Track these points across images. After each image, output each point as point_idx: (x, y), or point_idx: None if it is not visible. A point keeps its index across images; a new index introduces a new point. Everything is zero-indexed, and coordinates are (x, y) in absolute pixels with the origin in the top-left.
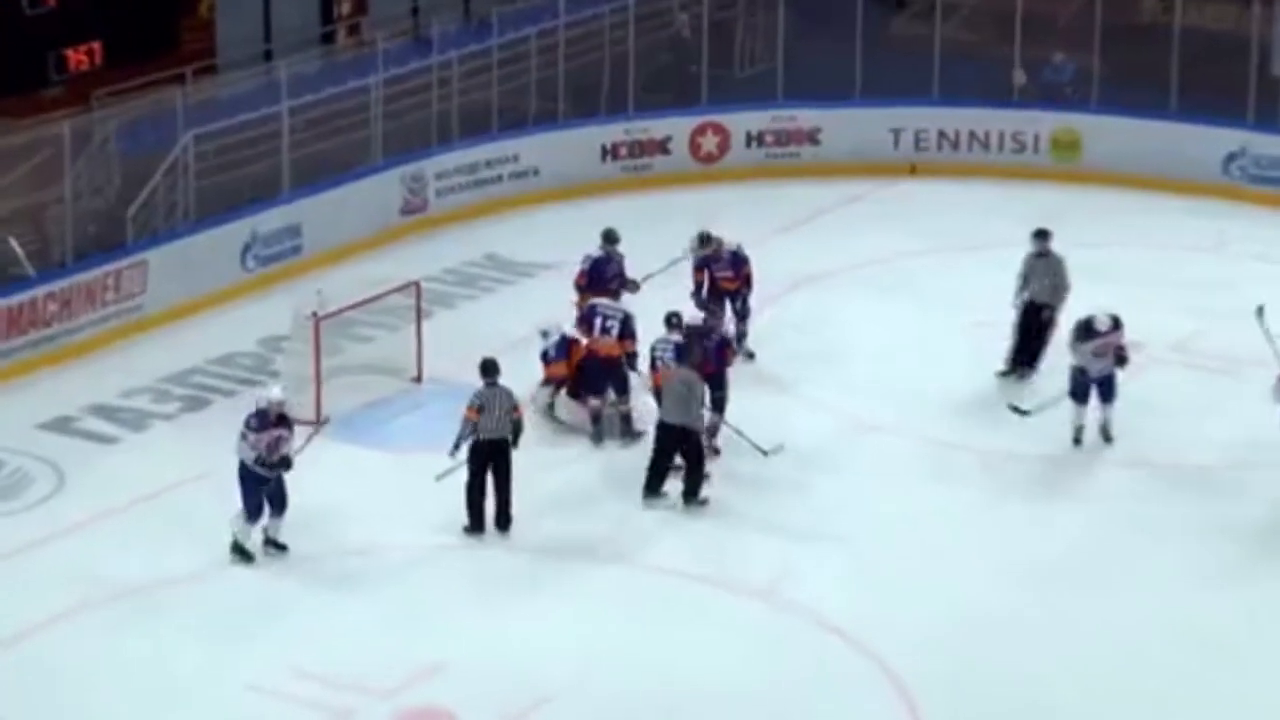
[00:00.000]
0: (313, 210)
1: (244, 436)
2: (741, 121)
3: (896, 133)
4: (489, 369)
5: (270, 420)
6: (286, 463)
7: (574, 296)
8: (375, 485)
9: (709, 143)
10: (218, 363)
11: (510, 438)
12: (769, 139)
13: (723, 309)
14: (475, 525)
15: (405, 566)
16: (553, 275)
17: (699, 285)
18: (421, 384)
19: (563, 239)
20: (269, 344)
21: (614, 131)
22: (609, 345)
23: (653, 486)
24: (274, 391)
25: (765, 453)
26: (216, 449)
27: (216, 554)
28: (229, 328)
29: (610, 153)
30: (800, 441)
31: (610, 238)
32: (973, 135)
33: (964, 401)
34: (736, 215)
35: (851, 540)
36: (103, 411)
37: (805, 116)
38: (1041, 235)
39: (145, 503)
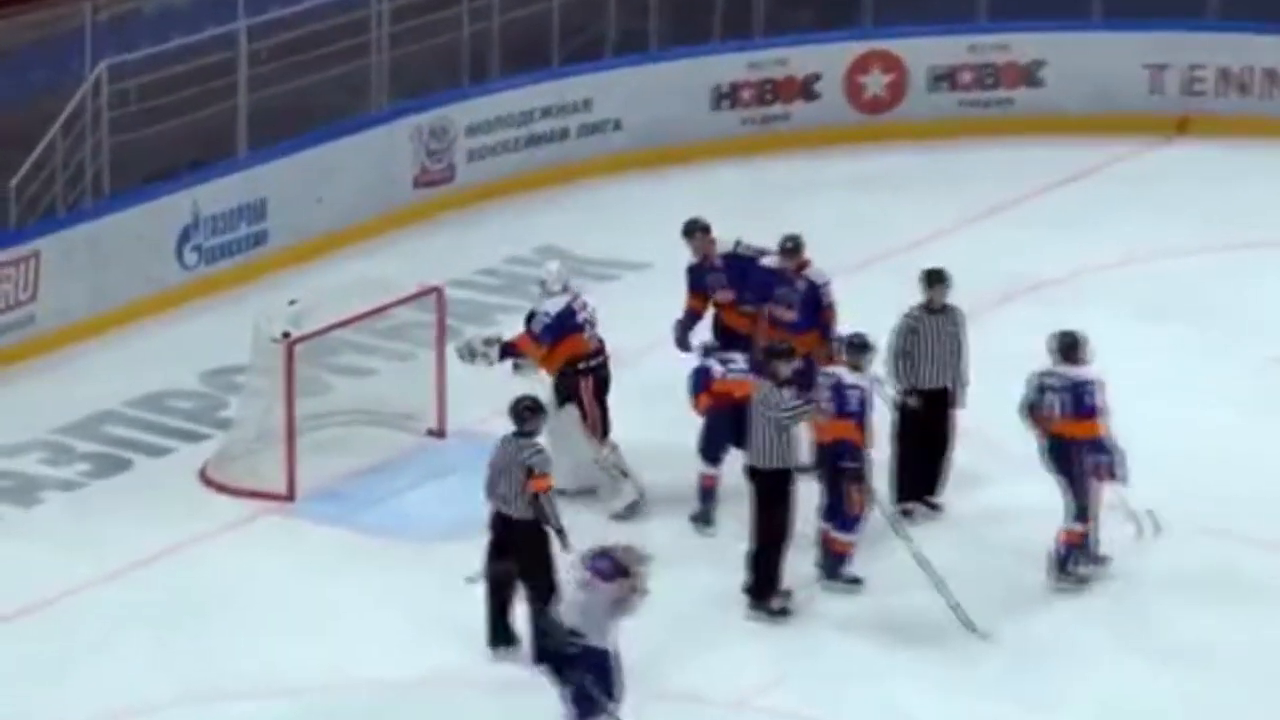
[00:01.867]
0: (284, 180)
1: (599, 588)
2: (924, 51)
3: (1157, 70)
4: (523, 413)
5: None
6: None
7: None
8: (373, 590)
9: (875, 83)
10: (142, 405)
11: (531, 519)
12: (965, 78)
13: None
14: (495, 636)
15: (419, 709)
16: (643, 279)
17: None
18: (445, 439)
19: (657, 224)
20: (217, 379)
21: (733, 65)
22: (742, 382)
23: (758, 589)
24: (625, 550)
25: (976, 631)
26: (137, 533)
27: (139, 691)
28: (159, 353)
29: (727, 97)
30: (1016, 537)
31: (694, 228)
32: (1272, 76)
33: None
34: (914, 191)
35: (1087, 689)
36: None
37: (1020, 45)
38: (937, 278)
39: (31, 615)
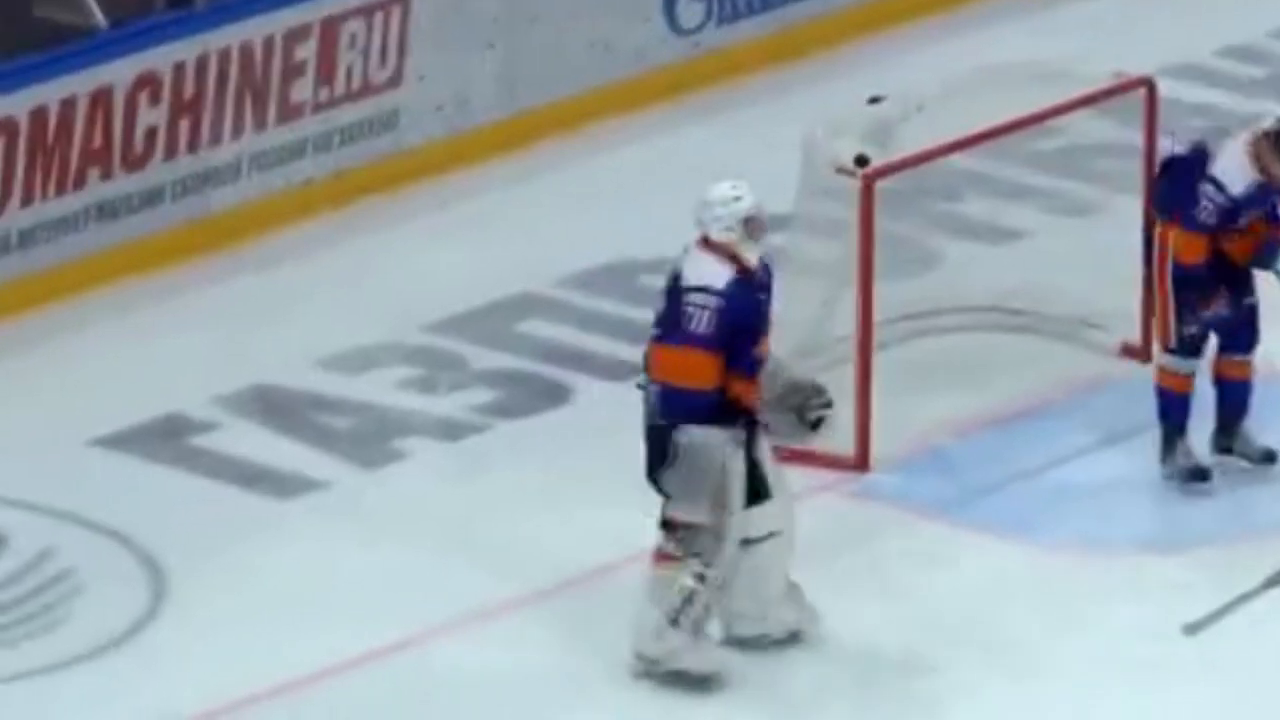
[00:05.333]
0: None
1: None
2: None
3: None
4: None
5: None
6: None
7: None
8: (1023, 645)
9: None
10: (591, 286)
11: None
12: None
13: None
14: None
15: None
16: None
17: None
18: (1150, 363)
19: None
20: None
21: None
22: None
23: None
24: None
25: None
26: (578, 516)
27: None
28: (624, 192)
29: None
30: None
31: None
32: None
33: None
34: None
35: None
36: (236, 419)
37: None
38: None
39: (332, 680)
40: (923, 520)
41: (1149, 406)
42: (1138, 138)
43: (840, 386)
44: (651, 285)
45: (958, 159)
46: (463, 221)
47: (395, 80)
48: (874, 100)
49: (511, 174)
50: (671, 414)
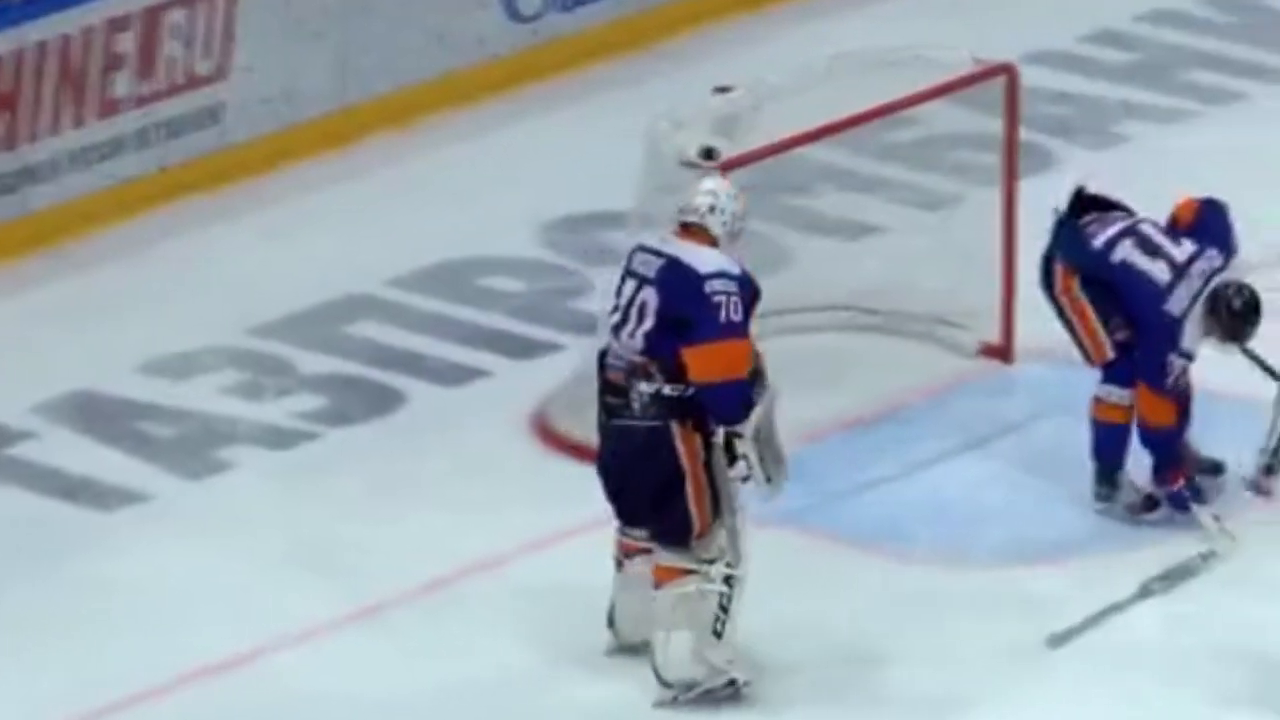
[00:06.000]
0: None
1: None
2: None
3: None
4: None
5: None
6: None
7: None
8: (885, 663)
9: None
10: (426, 285)
11: None
12: None
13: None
14: None
15: None
16: None
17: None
18: (1012, 365)
19: None
20: (573, 238)
21: None
22: None
23: None
24: None
25: None
26: (411, 532)
27: None
28: (463, 185)
29: None
30: None
31: None
32: None
33: None
34: None
35: None
36: (105, 411)
37: None
38: None
39: (162, 698)
40: (773, 529)
41: (1010, 408)
42: (998, 127)
43: None
44: (487, 285)
45: (810, 151)
46: (291, 220)
47: (221, 72)
48: (721, 90)
49: (342, 170)
50: (735, 417)
